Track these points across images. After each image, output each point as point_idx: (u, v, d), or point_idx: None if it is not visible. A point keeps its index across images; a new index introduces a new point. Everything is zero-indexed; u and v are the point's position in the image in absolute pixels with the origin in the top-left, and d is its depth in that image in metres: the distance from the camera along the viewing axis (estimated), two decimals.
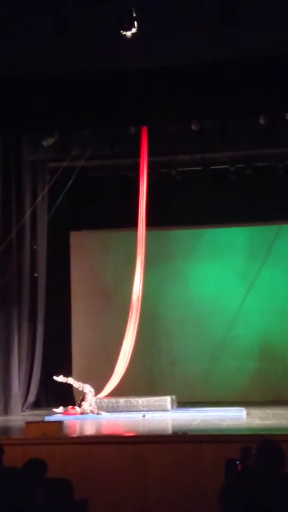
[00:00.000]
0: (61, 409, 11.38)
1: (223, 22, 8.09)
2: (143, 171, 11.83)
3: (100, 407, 11.32)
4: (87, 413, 11.04)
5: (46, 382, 13.29)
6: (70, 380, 11.60)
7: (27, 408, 12.47)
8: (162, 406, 11.31)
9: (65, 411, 11.27)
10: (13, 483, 4.72)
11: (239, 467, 5.20)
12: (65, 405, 11.63)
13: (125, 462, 7.29)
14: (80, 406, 11.20)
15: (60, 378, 11.54)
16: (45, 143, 11.84)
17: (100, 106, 9.47)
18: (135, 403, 11.34)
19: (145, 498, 7.11)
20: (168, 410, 11.27)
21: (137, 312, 11.67)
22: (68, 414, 11.06)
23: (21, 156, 12.46)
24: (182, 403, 11.97)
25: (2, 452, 5.11)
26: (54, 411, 11.36)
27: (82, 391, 11.31)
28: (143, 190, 11.83)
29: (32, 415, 11.48)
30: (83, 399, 11.23)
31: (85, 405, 11.13)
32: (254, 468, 4.52)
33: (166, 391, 12.09)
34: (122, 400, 11.38)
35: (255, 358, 13.70)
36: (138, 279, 11.72)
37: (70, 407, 11.37)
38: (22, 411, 12.18)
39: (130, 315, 11.65)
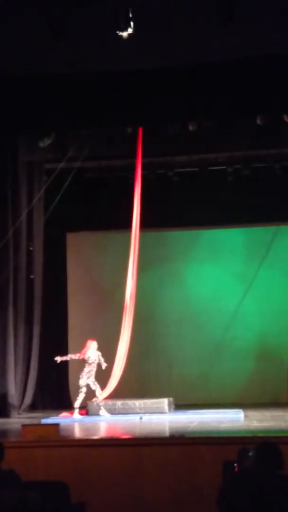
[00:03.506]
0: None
1: (221, 22, 8.05)
2: (138, 172, 11.81)
3: (99, 410, 11.28)
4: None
5: (43, 385, 13.25)
6: (69, 356, 11.49)
7: (24, 411, 12.41)
8: (160, 408, 11.27)
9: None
10: (10, 486, 4.67)
11: (236, 469, 5.17)
12: (61, 407, 11.60)
13: (122, 464, 7.25)
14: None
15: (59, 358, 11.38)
16: (41, 144, 11.80)
17: (97, 107, 9.44)
18: (132, 406, 11.30)
19: (143, 501, 7.07)
20: (166, 412, 11.23)
21: (130, 313, 11.62)
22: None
23: (17, 157, 12.42)
24: (180, 405, 11.93)
25: (3, 453, 5.04)
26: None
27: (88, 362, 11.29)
28: (137, 191, 11.80)
29: (28, 418, 11.43)
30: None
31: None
32: (252, 469, 4.49)
33: (164, 393, 12.04)
34: (119, 403, 11.34)
35: (253, 360, 13.67)
36: (131, 280, 11.69)
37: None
38: (19, 413, 12.13)
39: (123, 316, 11.61)
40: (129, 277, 11.70)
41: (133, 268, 11.72)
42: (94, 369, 11.32)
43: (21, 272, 12.58)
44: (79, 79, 9.19)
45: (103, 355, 11.42)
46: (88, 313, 14.19)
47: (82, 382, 11.23)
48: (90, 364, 11.29)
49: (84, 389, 11.22)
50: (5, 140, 11.98)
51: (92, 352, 11.33)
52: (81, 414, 11.35)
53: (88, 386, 11.23)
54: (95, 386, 11.22)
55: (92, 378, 11.27)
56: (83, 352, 11.34)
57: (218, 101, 9.36)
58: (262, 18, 8.35)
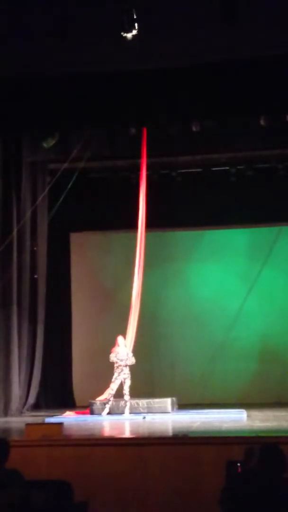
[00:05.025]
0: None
1: (223, 22, 8.07)
2: (142, 172, 11.83)
3: (101, 409, 11.30)
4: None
5: (46, 384, 13.27)
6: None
7: (27, 410, 12.44)
8: (163, 408, 11.28)
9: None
10: (13, 485, 4.69)
11: (239, 469, 5.18)
12: (65, 406, 11.60)
13: (125, 464, 7.26)
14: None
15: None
16: (45, 144, 11.79)
17: (100, 107, 9.46)
18: (136, 405, 11.30)
19: (146, 500, 7.08)
20: (169, 412, 11.24)
21: (136, 313, 11.63)
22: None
23: (21, 157, 12.45)
24: (183, 405, 11.94)
25: (8, 452, 5.05)
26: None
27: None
28: (143, 191, 11.82)
29: (32, 417, 11.45)
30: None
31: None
32: (256, 470, 4.50)
33: (167, 393, 12.05)
34: (122, 402, 11.34)
35: (255, 360, 13.68)
36: (137, 280, 11.69)
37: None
38: (22, 412, 12.15)
39: (129, 316, 11.62)
40: (135, 277, 11.71)
41: (139, 268, 11.73)
42: (122, 366, 11.15)
43: (25, 271, 12.60)
44: (83, 79, 9.22)
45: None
46: (91, 312, 14.22)
47: (113, 378, 11.14)
48: (119, 360, 11.19)
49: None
50: (9, 140, 12.01)
51: (120, 348, 11.24)
52: (83, 413, 11.37)
53: (120, 382, 11.12)
54: (125, 385, 11.09)
55: (123, 376, 11.10)
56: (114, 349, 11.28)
57: (222, 101, 9.37)
58: (265, 17, 8.36)
